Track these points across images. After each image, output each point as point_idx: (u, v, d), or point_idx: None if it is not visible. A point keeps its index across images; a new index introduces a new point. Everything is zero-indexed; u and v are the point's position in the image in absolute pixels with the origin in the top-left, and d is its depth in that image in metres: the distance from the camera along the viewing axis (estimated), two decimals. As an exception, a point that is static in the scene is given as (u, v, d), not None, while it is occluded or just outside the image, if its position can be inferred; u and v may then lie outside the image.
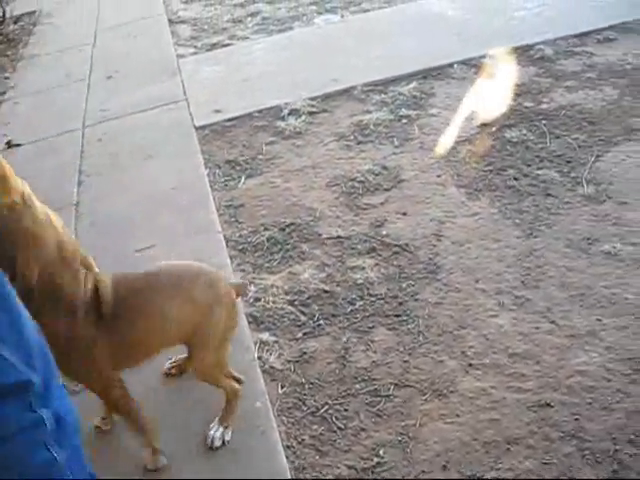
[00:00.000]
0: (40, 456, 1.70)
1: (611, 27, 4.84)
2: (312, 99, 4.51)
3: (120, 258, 3.12)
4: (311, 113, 4.37)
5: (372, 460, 2.26)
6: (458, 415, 2.37)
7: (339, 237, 3.26)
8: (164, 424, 2.41)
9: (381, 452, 2.28)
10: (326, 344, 2.71)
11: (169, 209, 3.57)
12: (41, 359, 1.71)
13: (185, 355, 2.40)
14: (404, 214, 3.36)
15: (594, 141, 3.69)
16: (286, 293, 2.98)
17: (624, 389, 2.37)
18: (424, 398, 2.44)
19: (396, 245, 3.16)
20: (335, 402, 2.47)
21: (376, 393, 2.49)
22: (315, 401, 2.49)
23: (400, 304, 2.84)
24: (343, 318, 2.82)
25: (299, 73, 4.91)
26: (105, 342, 2.05)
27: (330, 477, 2.23)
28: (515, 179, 3.49)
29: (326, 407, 2.46)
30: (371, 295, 2.91)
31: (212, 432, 2.33)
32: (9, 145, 4.46)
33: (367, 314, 2.82)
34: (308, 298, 2.94)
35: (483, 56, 4.65)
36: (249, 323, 2.81)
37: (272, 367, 2.64)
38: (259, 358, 2.66)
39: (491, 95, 4.25)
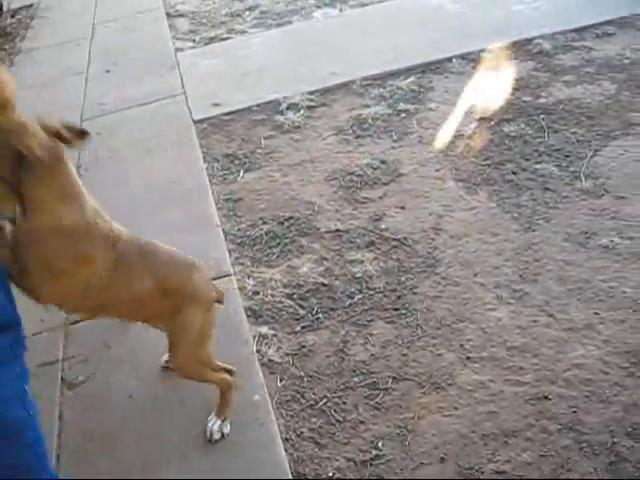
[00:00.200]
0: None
1: (609, 22, 4.83)
2: (311, 93, 4.51)
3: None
4: (310, 107, 4.37)
5: (371, 452, 2.27)
6: (456, 408, 2.38)
7: (338, 231, 3.27)
8: (162, 417, 2.43)
9: (380, 444, 2.29)
10: (325, 337, 2.72)
11: (168, 203, 3.57)
12: None
13: None
14: (403, 208, 3.36)
15: (592, 135, 3.69)
16: (285, 287, 2.98)
17: (621, 382, 2.38)
18: (422, 391, 2.45)
19: (395, 239, 3.16)
20: (334, 395, 2.48)
21: (375, 386, 2.50)
22: (314, 394, 2.50)
23: (399, 298, 2.85)
24: (342, 312, 2.82)
25: (298, 67, 4.91)
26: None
27: (329, 469, 2.24)
28: (513, 173, 3.50)
29: (325, 400, 2.47)
30: (370, 289, 2.91)
31: (210, 425, 2.34)
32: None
33: (366, 308, 2.83)
34: (307, 292, 2.95)
35: (482, 50, 4.67)
36: (248, 317, 2.83)
37: (271, 360, 2.65)
38: (258, 351, 2.67)
39: (489, 89, 4.26)
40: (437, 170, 3.61)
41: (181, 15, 6.54)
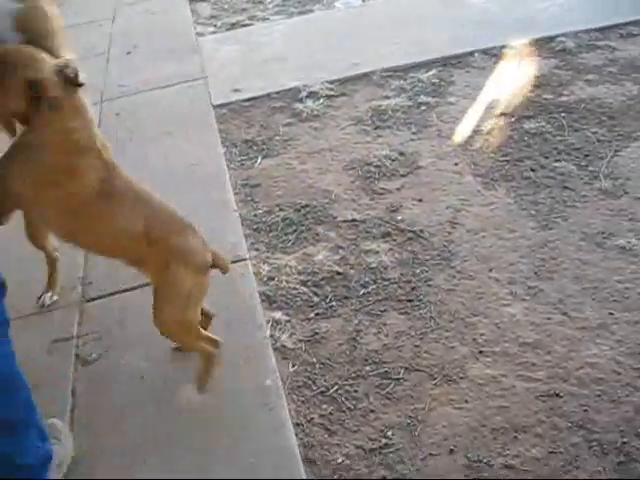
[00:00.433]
0: None
1: (634, 22, 4.78)
2: (331, 82, 4.50)
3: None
4: (329, 96, 4.37)
5: (380, 441, 2.28)
6: (467, 401, 2.39)
7: (354, 220, 3.27)
8: (172, 398, 2.45)
9: (389, 434, 2.30)
10: (338, 325, 2.73)
11: (185, 186, 3.57)
12: None
13: None
14: (420, 200, 3.36)
15: (613, 136, 3.67)
16: (299, 273, 2.99)
17: (633, 383, 2.38)
18: (434, 383, 2.46)
19: (411, 231, 3.16)
20: (345, 383, 2.49)
21: (386, 376, 2.50)
22: (325, 381, 2.51)
23: (413, 289, 2.85)
24: (355, 301, 2.83)
25: (318, 56, 4.90)
26: None
27: (338, 456, 2.25)
28: (532, 170, 3.49)
29: (336, 387, 2.48)
30: (384, 279, 2.92)
31: (185, 391, 2.40)
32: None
33: (380, 298, 2.83)
34: (321, 279, 2.95)
35: (504, 46, 4.64)
36: (262, 301, 2.83)
37: (283, 346, 2.66)
38: (271, 336, 2.68)
39: (511, 85, 4.24)
40: (455, 164, 3.61)
41: (203, 0, 6.53)
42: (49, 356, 2.76)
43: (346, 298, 2.85)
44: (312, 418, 2.38)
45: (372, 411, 2.38)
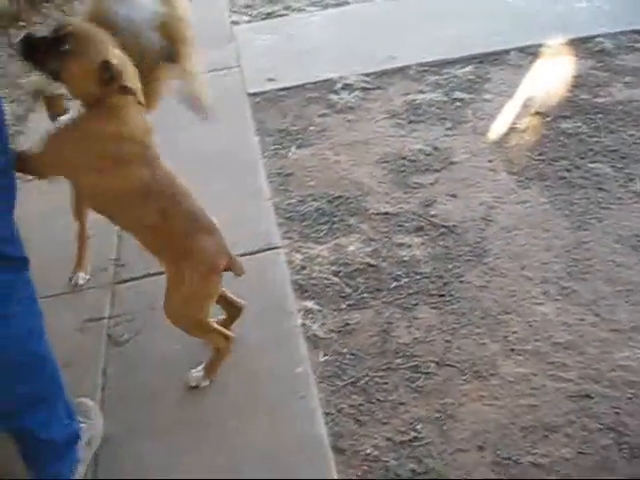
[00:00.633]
0: None
1: (674, 25, 4.75)
2: (366, 75, 4.50)
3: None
4: (364, 89, 4.36)
5: (409, 434, 2.28)
6: (497, 398, 2.38)
7: (387, 213, 3.27)
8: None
9: (418, 427, 2.30)
10: (369, 317, 2.73)
11: (219, 173, 3.59)
12: None
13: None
14: (453, 196, 3.35)
15: (650, 139, 3.65)
16: (332, 264, 3.00)
17: (666, 387, 2.37)
18: (464, 378, 2.46)
19: (444, 226, 3.16)
20: (375, 374, 2.50)
21: (416, 369, 2.50)
22: (356, 372, 2.51)
23: (445, 284, 2.85)
24: (387, 293, 2.83)
25: (354, 48, 4.89)
26: None
27: (367, 446, 2.25)
28: (567, 170, 3.47)
29: (366, 378, 2.48)
30: (416, 273, 2.92)
31: (193, 371, 2.46)
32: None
33: (411, 291, 2.83)
34: (354, 271, 2.96)
35: (541, 45, 4.60)
36: (294, 290, 2.85)
37: (315, 335, 2.66)
38: (302, 325, 2.69)
39: (547, 84, 4.21)
40: (490, 161, 3.59)
41: (239, -11, 6.54)
42: (81, 334, 2.79)
43: (378, 290, 2.85)
44: (342, 408, 2.39)
45: (402, 404, 2.39)
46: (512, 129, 3.84)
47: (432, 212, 3.25)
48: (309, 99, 4.34)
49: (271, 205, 3.35)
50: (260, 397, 2.41)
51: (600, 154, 3.58)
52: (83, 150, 2.09)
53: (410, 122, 3.99)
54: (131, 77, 2.10)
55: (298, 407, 2.36)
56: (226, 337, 2.43)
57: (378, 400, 2.41)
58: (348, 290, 2.86)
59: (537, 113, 3.96)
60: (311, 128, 4.02)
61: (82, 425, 2.22)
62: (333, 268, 2.98)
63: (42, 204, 3.40)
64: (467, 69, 4.47)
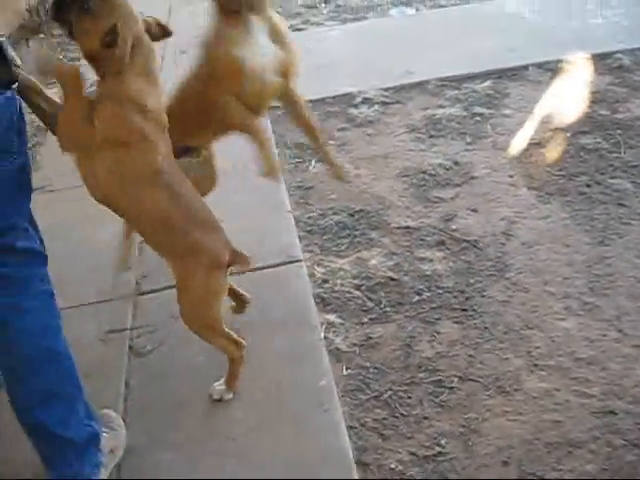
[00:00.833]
0: None
1: (692, 42, 4.75)
2: (385, 89, 4.52)
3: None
4: (384, 103, 4.39)
5: (433, 449, 2.28)
6: (521, 413, 2.38)
7: (408, 227, 3.28)
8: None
9: (442, 442, 2.30)
10: (392, 331, 2.74)
11: (239, 185, 3.60)
12: None
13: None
14: (474, 211, 3.36)
15: (670, 155, 3.65)
16: (354, 278, 3.01)
17: (690, 404, 2.36)
18: (488, 393, 2.46)
19: (465, 240, 3.17)
20: (399, 389, 2.50)
21: (440, 384, 2.51)
22: (379, 385, 2.52)
23: (467, 299, 2.86)
24: (409, 307, 2.84)
25: (373, 63, 4.92)
26: None
27: (391, 461, 2.26)
28: (587, 186, 3.47)
29: (390, 393, 2.49)
30: (438, 287, 2.92)
31: (216, 385, 2.46)
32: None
33: (434, 305, 2.84)
34: (375, 284, 2.97)
35: (559, 60, 4.62)
36: (316, 303, 2.85)
37: (337, 348, 2.67)
38: (325, 338, 2.70)
39: (566, 100, 4.22)
40: (510, 176, 3.60)
41: (258, 3, 6.57)
42: (104, 346, 2.81)
43: (400, 304, 2.86)
44: (366, 422, 2.39)
45: (426, 418, 2.39)
46: (532, 144, 3.85)
47: (453, 226, 3.26)
48: (329, 113, 4.37)
49: (292, 218, 3.37)
50: (284, 409, 2.41)
51: (620, 169, 3.58)
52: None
53: (430, 136, 4.01)
54: (142, 52, 2.13)
55: (322, 420, 2.36)
56: (237, 344, 2.42)
57: (402, 414, 2.41)
58: (370, 304, 2.87)
59: (556, 129, 3.97)
60: (331, 142, 4.03)
61: (105, 435, 2.23)
62: (355, 282, 2.99)
63: (63, 215, 3.43)
64: (486, 84, 4.48)
